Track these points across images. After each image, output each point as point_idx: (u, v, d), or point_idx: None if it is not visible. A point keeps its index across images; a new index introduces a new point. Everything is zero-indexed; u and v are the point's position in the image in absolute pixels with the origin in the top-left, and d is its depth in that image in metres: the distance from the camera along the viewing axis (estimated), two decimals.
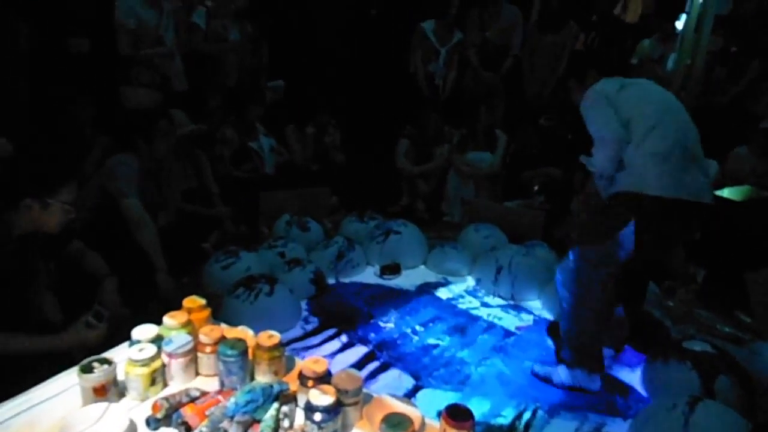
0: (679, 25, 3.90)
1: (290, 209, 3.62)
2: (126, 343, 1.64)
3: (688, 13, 3.68)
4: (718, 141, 3.91)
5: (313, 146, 4.31)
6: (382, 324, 2.67)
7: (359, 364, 2.33)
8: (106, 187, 2.63)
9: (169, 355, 1.53)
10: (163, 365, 1.53)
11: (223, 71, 4.05)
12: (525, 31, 4.58)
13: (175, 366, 1.54)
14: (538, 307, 2.96)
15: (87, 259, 2.27)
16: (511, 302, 2.99)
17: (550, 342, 2.61)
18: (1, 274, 1.70)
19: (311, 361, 1.48)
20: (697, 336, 2.58)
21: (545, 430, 1.98)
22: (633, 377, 2.35)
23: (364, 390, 1.50)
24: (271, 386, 1.48)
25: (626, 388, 2.27)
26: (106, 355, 1.51)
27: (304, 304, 2.80)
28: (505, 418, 2.03)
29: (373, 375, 2.27)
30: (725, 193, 3.38)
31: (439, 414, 1.42)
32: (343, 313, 2.76)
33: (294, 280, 2.82)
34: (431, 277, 3.23)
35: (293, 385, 1.51)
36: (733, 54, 4.29)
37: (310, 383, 1.43)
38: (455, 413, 1.32)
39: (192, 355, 1.57)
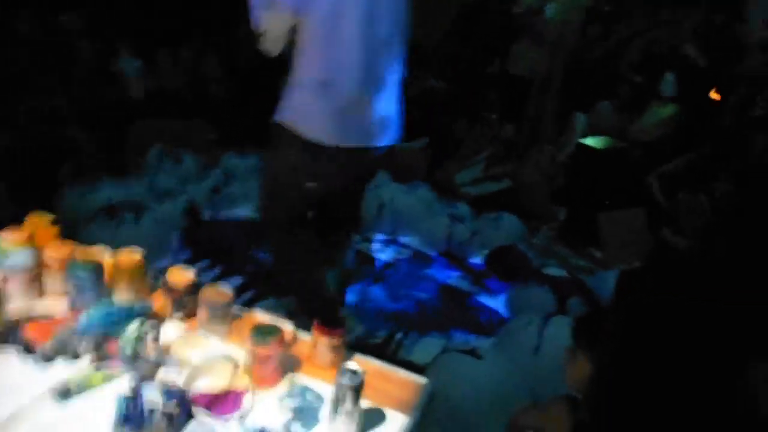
0: None
1: (162, 140, 3.34)
2: None
3: None
4: (585, 95, 4.25)
5: (188, 74, 3.99)
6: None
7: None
8: None
9: (7, 271, 1.35)
10: None
11: None
12: None
13: (14, 284, 1.37)
14: (416, 242, 3.05)
15: None
16: (392, 237, 3.06)
17: (426, 272, 2.71)
18: None
19: (176, 271, 1.39)
20: (556, 267, 2.83)
21: (416, 347, 2.07)
22: (498, 303, 2.53)
23: (236, 307, 1.45)
24: (132, 305, 1.37)
25: (491, 311, 2.44)
26: None
27: (175, 237, 2.63)
28: (379, 338, 2.09)
29: (247, 304, 2.20)
30: (588, 141, 3.68)
31: None
32: (218, 246, 2.64)
33: (164, 211, 2.63)
34: None
35: (157, 304, 1.42)
36: (605, 13, 4.60)
37: (175, 294, 1.34)
38: (327, 321, 1.31)
39: (34, 272, 1.40)
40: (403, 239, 3.06)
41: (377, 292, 2.45)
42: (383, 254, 2.86)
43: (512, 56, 4.40)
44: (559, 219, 3.45)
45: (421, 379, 1.29)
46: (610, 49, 4.42)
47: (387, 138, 1.67)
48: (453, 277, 2.72)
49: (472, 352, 1.72)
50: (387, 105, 1.62)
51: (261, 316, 1.45)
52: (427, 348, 2.03)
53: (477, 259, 2.96)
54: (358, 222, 2.04)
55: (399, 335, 2.12)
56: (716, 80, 3.87)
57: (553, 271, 2.44)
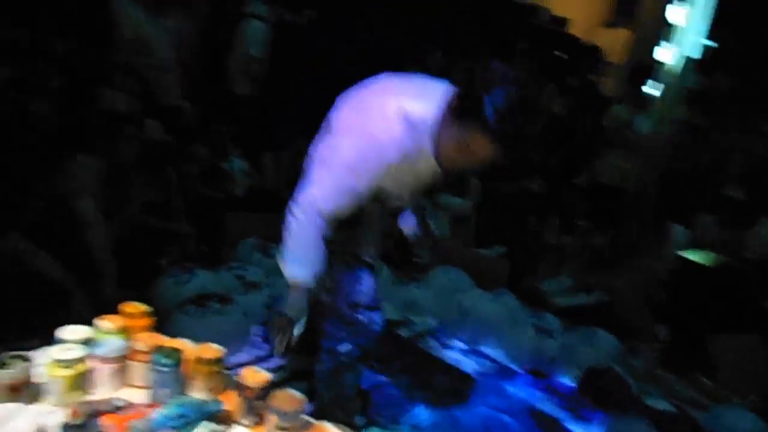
0: (647, 90, 4.07)
1: (256, 234, 3.51)
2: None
3: (658, 81, 3.84)
4: (683, 206, 4.03)
5: (289, 175, 4.25)
6: None
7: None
8: (62, 187, 2.52)
9: (98, 359, 1.40)
10: (89, 370, 1.40)
11: None
12: None
13: (102, 372, 1.41)
14: (499, 354, 2.88)
15: (34, 260, 2.15)
16: (472, 347, 2.91)
17: (509, 389, 2.52)
18: None
19: (251, 371, 1.37)
20: (659, 395, 2.52)
21: None
22: None
23: (305, 417, 1.39)
24: (207, 403, 1.36)
25: None
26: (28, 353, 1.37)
27: (256, 330, 2.66)
28: None
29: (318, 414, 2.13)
30: (691, 255, 3.42)
31: None
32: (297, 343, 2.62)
33: (249, 304, 2.69)
34: (393, 314, 3.13)
35: (230, 405, 1.40)
36: (701, 128, 4.46)
37: (247, 393, 1.32)
38: None
39: (123, 362, 1.44)
40: (485, 349, 2.90)
41: (454, 409, 2.29)
42: (462, 364, 2.71)
43: (603, 166, 4.32)
44: (661, 339, 3.14)
45: None
46: (707, 161, 4.23)
47: None
48: (539, 398, 2.50)
49: None
50: None
51: (330, 429, 1.38)
52: None
53: (566, 379, 2.72)
54: None
55: None
56: None
57: (657, 402, 2.17)
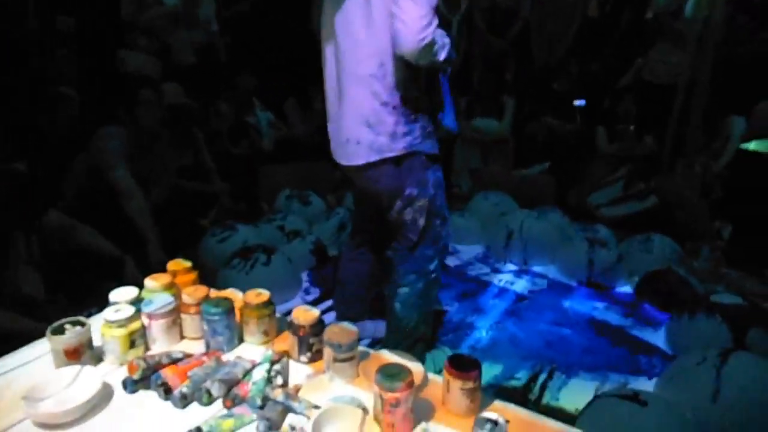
0: None
1: (290, 184, 3.49)
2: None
3: None
4: (740, 96, 3.71)
5: (316, 120, 4.16)
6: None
7: None
8: (95, 160, 2.53)
9: (149, 316, 1.41)
10: (143, 327, 1.41)
11: None
12: None
13: (156, 328, 1.42)
14: (552, 271, 2.81)
15: (78, 234, 2.18)
16: (524, 267, 2.84)
17: (567, 304, 2.46)
18: None
19: (302, 310, 1.35)
20: (727, 292, 2.41)
21: (563, 390, 1.83)
22: (656, 337, 2.20)
23: (362, 348, 1.37)
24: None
25: (649, 347, 2.12)
26: (82, 318, 1.40)
27: (305, 276, 2.68)
28: (519, 380, 1.89)
29: (376, 343, 2.14)
30: (752, 146, 3.18)
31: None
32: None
33: (293, 251, 2.70)
34: None
35: (284, 345, 1.39)
36: (755, 3, 4.03)
37: (300, 332, 1.31)
38: (459, 363, 1.18)
39: (174, 316, 1.45)
40: (537, 269, 2.83)
41: (512, 328, 2.25)
42: (515, 286, 2.66)
43: (649, 63, 4.01)
44: (722, 237, 2.98)
45: (574, 431, 1.10)
46: (766, 42, 3.84)
47: (358, 158, 1.78)
48: (599, 309, 2.43)
49: (634, 398, 1.46)
50: (356, 127, 1.74)
51: (388, 356, 1.36)
52: (577, 392, 1.79)
53: (625, 288, 2.63)
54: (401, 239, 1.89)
55: (542, 377, 1.90)
56: None
57: (724, 297, 2.06)
